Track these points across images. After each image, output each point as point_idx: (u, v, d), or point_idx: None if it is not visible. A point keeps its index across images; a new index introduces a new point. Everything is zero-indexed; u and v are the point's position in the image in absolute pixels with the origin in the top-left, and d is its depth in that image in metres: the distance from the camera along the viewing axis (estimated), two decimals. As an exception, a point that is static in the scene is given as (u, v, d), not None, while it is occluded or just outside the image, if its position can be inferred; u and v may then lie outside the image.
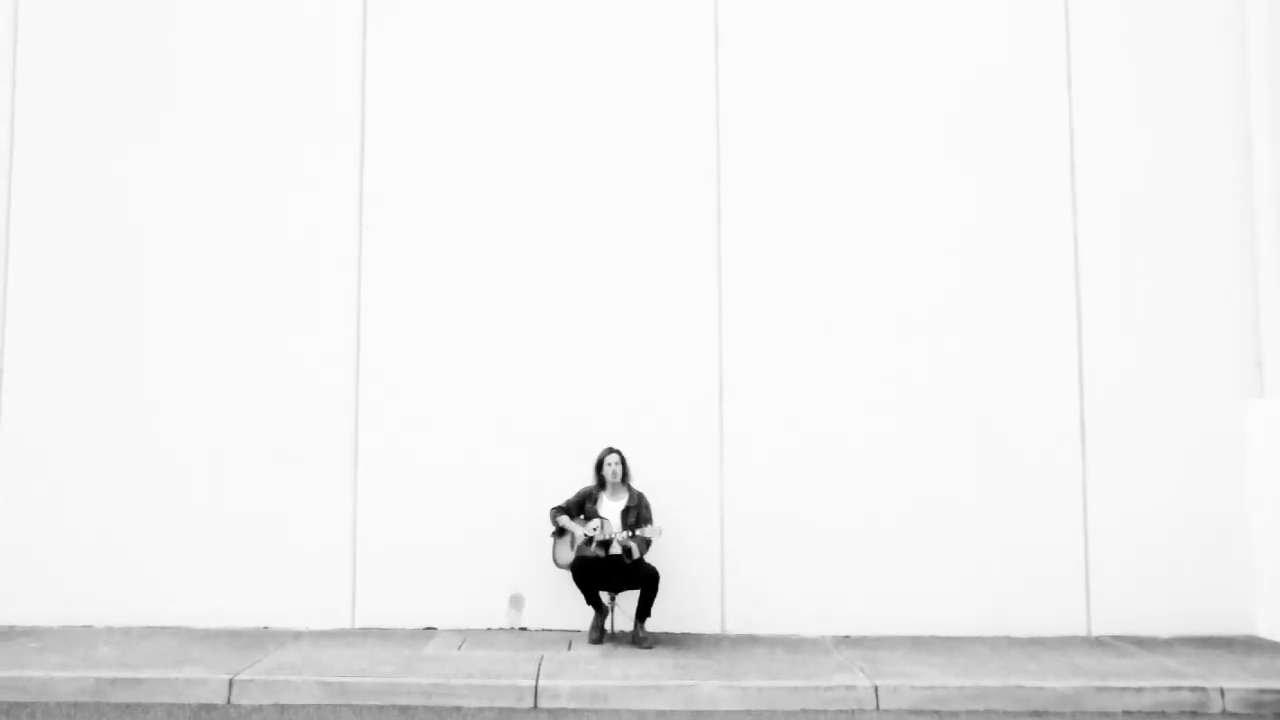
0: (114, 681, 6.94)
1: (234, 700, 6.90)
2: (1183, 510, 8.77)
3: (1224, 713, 6.92)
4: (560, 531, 8.28)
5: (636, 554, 8.04)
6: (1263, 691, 6.98)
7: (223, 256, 9.00)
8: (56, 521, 8.79)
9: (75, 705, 6.79)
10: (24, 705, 6.77)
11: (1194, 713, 6.90)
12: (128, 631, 8.47)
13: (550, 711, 6.79)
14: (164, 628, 8.61)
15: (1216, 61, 9.04)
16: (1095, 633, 8.67)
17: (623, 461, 8.32)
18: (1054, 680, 7.12)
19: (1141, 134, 9.01)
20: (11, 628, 8.60)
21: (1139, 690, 6.97)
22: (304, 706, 6.82)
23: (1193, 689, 6.99)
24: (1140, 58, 9.06)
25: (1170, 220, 8.94)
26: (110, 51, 9.16)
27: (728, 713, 6.84)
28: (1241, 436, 8.82)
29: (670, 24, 9.15)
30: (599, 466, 8.32)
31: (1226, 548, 8.75)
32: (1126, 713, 6.89)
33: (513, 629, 8.68)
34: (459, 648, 8.01)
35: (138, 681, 6.95)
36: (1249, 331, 8.86)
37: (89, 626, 8.64)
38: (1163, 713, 6.89)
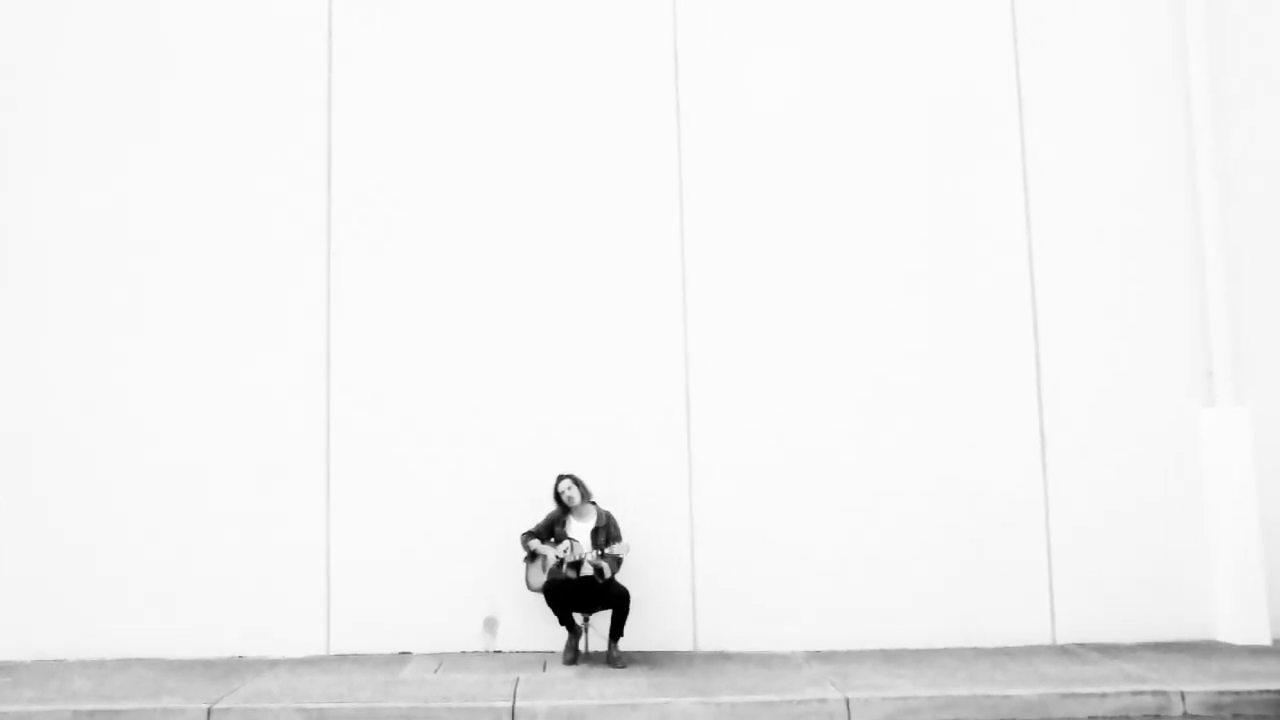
0: (92, 714, 6.95)
1: (212, 729, 6.95)
2: (1142, 518, 8.97)
3: (1185, 715, 7.11)
4: (532, 555, 8.36)
5: (608, 574, 8.14)
6: (1221, 693, 7.18)
7: (198, 273, 9.03)
8: (27, 556, 8.76)
9: (52, 739, 6.81)
10: (0, 740, 6.78)
11: (1156, 716, 7.09)
12: (101, 664, 8.46)
13: (527, 732, 6.88)
14: (138, 659, 8.60)
15: (1162, 79, 9.31)
16: (1060, 641, 8.85)
17: (577, 484, 8.42)
18: (1020, 688, 7.29)
19: (1092, 150, 9.25)
20: (-17, 663, 8.59)
21: (1103, 696, 7.15)
22: (282, 734, 6.88)
23: (1154, 693, 7.17)
24: (1087, 70, 9.33)
25: (1123, 234, 9.18)
26: (98, 77, 9.23)
27: (702, 728, 6.96)
28: (1196, 444, 9.04)
29: (631, 44, 9.31)
30: (556, 495, 8.43)
31: (1185, 554, 8.95)
32: (1091, 718, 7.06)
33: (488, 652, 8.74)
34: (435, 671, 8.07)
35: (115, 713, 6.96)
36: (1201, 342, 9.10)
37: (62, 660, 8.61)
38: (1126, 717, 7.07)
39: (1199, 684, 7.33)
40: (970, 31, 9.37)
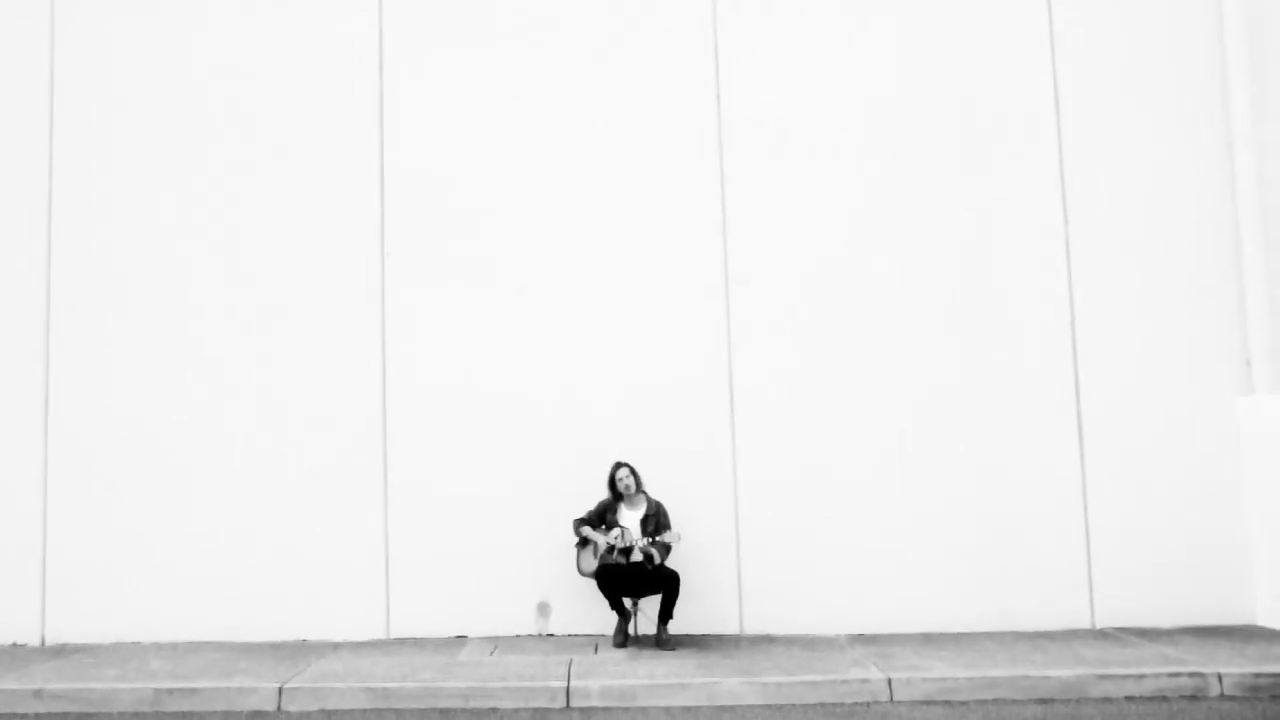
0: (171, 692, 7.36)
1: (284, 707, 7.31)
2: (1181, 505, 9.12)
3: (1221, 696, 7.27)
4: (583, 541, 8.67)
5: (657, 559, 8.43)
6: (1259, 675, 7.33)
7: (260, 280, 9.46)
8: (104, 544, 9.22)
9: (136, 715, 7.21)
10: (90, 715, 7.19)
11: (1193, 696, 7.25)
12: (175, 646, 8.89)
13: (582, 710, 7.18)
14: (208, 642, 9.02)
15: (1198, 68, 9.42)
16: (1099, 625, 9.03)
17: (633, 473, 8.71)
18: (1059, 669, 7.49)
19: (1128, 141, 9.39)
20: (64, 645, 9.02)
21: (1140, 677, 7.33)
22: (350, 711, 7.23)
23: (1191, 674, 7.34)
24: (1125, 63, 9.46)
25: (1159, 226, 9.31)
26: (146, 109, 9.65)
27: (749, 707, 7.21)
28: (1235, 432, 9.17)
29: (671, 50, 9.58)
30: (611, 482, 8.71)
31: (1225, 540, 9.10)
32: (1128, 698, 7.24)
33: (541, 635, 9.07)
34: (491, 653, 8.40)
35: (193, 691, 7.36)
36: (1238, 330, 9.22)
37: (137, 642, 9.05)
38: (1163, 697, 7.24)
39: (1236, 665, 7.49)
40: (1006, 40, 9.53)
